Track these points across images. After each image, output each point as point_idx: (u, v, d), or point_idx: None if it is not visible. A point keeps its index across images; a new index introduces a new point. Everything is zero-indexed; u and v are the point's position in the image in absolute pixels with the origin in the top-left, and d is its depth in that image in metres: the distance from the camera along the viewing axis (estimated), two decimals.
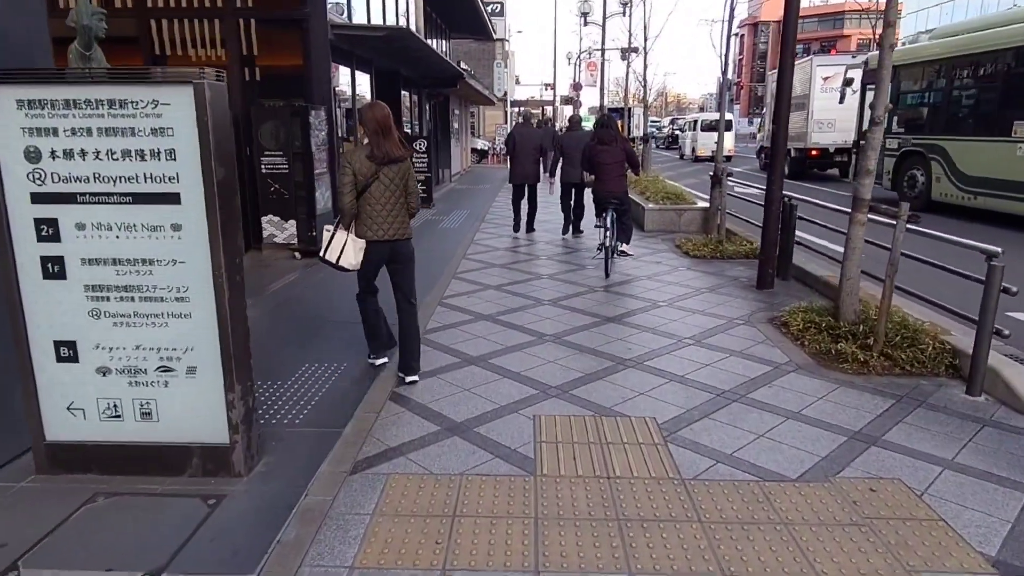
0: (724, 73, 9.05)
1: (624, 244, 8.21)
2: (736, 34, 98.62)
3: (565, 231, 10.25)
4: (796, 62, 21.41)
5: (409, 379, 4.26)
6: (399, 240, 4.24)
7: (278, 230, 8.23)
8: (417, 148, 13.23)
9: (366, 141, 4.07)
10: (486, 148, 30.09)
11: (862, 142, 14.33)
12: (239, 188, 3.17)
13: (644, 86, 13.81)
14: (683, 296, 6.44)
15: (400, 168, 4.12)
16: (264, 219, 8.17)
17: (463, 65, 23.67)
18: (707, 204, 10.41)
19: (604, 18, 19.84)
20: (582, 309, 5.97)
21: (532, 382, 4.26)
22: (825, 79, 17.51)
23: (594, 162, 7.86)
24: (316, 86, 8.17)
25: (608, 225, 7.40)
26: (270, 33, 8.28)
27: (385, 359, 4.60)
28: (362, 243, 4.14)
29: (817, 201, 7.01)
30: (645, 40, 13.65)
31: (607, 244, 7.35)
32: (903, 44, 19.02)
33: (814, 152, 18.18)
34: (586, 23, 24.51)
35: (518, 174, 10.09)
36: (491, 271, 7.55)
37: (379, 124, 4.01)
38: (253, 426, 3.13)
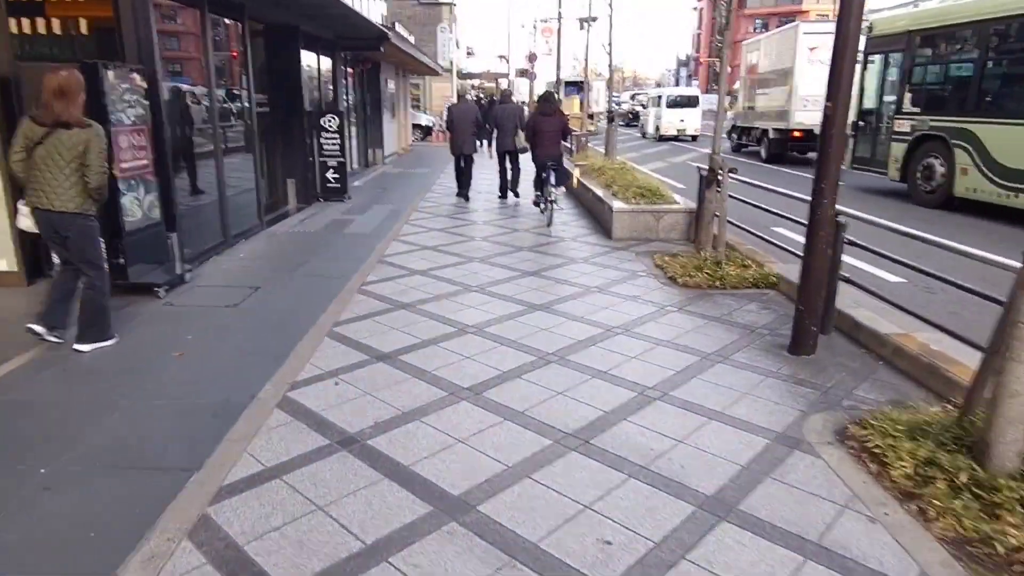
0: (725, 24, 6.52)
1: (558, 187, 8.83)
2: (695, 8, 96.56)
3: (503, 195, 11.22)
4: (777, 30, 19.22)
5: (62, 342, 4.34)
6: (55, 212, 4.09)
7: None
8: (326, 126, 10.52)
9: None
10: (431, 124, 27.16)
11: (861, 123, 12.23)
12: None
13: (609, 54, 11.32)
14: (683, 373, 4.05)
15: (75, 137, 4.03)
16: None
17: (400, 28, 20.72)
18: (693, 204, 8.07)
19: None
20: (522, 411, 3.52)
21: None
22: (812, 49, 15.26)
23: (536, 130, 8.94)
24: (129, 37, 5.44)
25: (553, 183, 8.62)
26: None
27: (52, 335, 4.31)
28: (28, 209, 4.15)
29: (882, 221, 4.68)
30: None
31: (548, 198, 8.74)
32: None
33: (797, 133, 16.03)
34: None
35: (457, 145, 11.01)
36: (392, 318, 5.04)
37: (52, 89, 3.97)
38: None
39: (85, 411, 3.52)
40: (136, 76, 5.32)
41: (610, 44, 11.39)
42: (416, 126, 26.32)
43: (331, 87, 12.26)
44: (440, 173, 15.41)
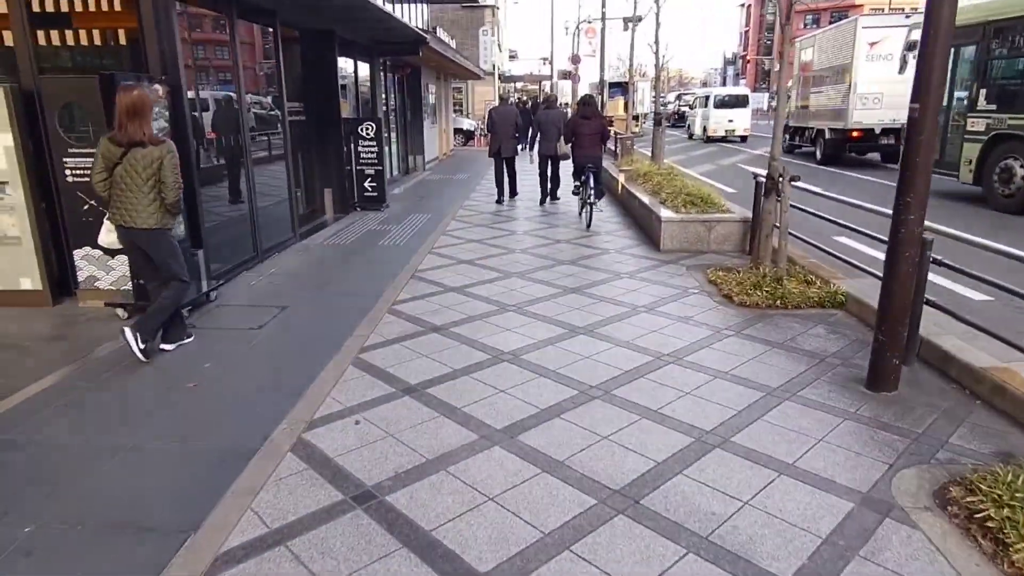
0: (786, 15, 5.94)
1: (598, 200, 9.13)
2: (742, 5, 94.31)
3: (542, 201, 11.15)
4: (834, 25, 18.34)
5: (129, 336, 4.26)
6: (135, 229, 4.19)
7: (101, 270, 5.33)
8: (363, 133, 10.28)
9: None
10: (472, 128, 26.91)
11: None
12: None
13: (656, 53, 10.76)
14: (746, 414, 3.57)
15: (149, 154, 4.10)
16: (79, 253, 5.27)
17: (441, 32, 20.54)
18: (748, 212, 7.52)
19: None
20: (562, 460, 3.10)
21: None
22: (872, 44, 14.43)
23: (576, 132, 9.13)
24: (151, 47, 5.23)
25: (591, 184, 8.81)
26: None
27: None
28: (111, 225, 4.28)
29: (989, 243, 4.07)
30: None
31: (587, 200, 8.93)
32: None
33: (856, 133, 15.17)
34: None
35: (497, 147, 11.06)
36: (422, 343, 4.68)
37: (125, 108, 4.03)
38: None
39: (87, 453, 3.25)
40: (158, 87, 5.10)
41: (656, 43, 10.86)
42: (458, 130, 26.11)
43: (369, 93, 12.05)
44: (481, 179, 15.10)
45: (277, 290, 6.05)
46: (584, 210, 9.09)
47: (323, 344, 4.64)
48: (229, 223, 6.65)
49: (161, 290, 4.39)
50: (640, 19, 20.37)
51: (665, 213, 7.62)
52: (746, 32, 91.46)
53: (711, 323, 5.06)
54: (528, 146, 11.36)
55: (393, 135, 14.65)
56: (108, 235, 4.33)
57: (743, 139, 26.20)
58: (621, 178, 11.18)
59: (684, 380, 4.01)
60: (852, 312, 5.24)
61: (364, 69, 11.68)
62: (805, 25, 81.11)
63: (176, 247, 4.47)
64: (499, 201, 11.27)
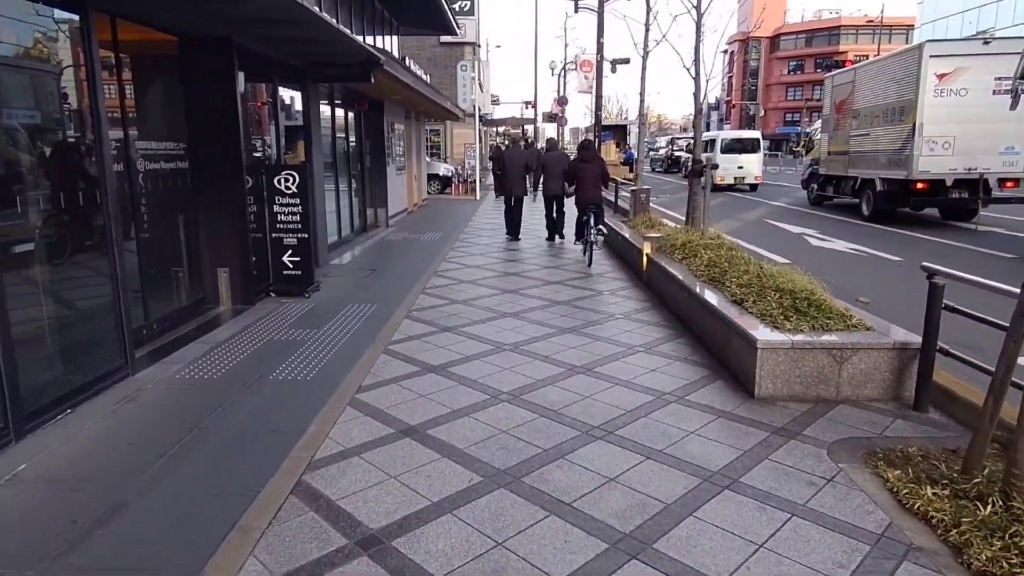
0: None
1: (600, 239, 9.42)
2: (725, 51, 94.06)
3: (551, 238, 11.52)
4: (887, 55, 15.71)
5: None
6: None
7: None
8: (281, 188, 7.13)
9: None
10: (450, 174, 23.93)
11: None
12: None
13: (696, 77, 7.76)
14: None
15: None
16: None
17: (414, 66, 17.66)
18: (899, 332, 4.43)
19: None
20: None
21: None
22: (941, 76, 11.69)
23: (576, 176, 9.63)
24: None
25: (592, 224, 9.13)
26: None
27: None
28: None
29: None
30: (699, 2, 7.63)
31: (588, 239, 9.23)
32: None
33: (920, 185, 12.31)
34: (577, 9, 18.54)
35: (508, 189, 11.93)
36: None
37: None
38: None
39: None
40: None
41: (696, 62, 7.90)
42: (434, 177, 23.15)
43: (305, 129, 8.93)
44: (456, 239, 11.98)
45: None
46: (586, 250, 9.32)
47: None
48: None
49: None
50: (627, 61, 17.81)
51: (765, 335, 4.43)
52: (729, 78, 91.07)
53: None
54: (534, 187, 11.47)
55: (344, 185, 11.54)
56: None
57: (753, 187, 23.49)
58: (646, 248, 8.10)
59: None
60: None
61: (291, 98, 8.59)
62: (789, 71, 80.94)
63: None
64: (508, 234, 11.83)
